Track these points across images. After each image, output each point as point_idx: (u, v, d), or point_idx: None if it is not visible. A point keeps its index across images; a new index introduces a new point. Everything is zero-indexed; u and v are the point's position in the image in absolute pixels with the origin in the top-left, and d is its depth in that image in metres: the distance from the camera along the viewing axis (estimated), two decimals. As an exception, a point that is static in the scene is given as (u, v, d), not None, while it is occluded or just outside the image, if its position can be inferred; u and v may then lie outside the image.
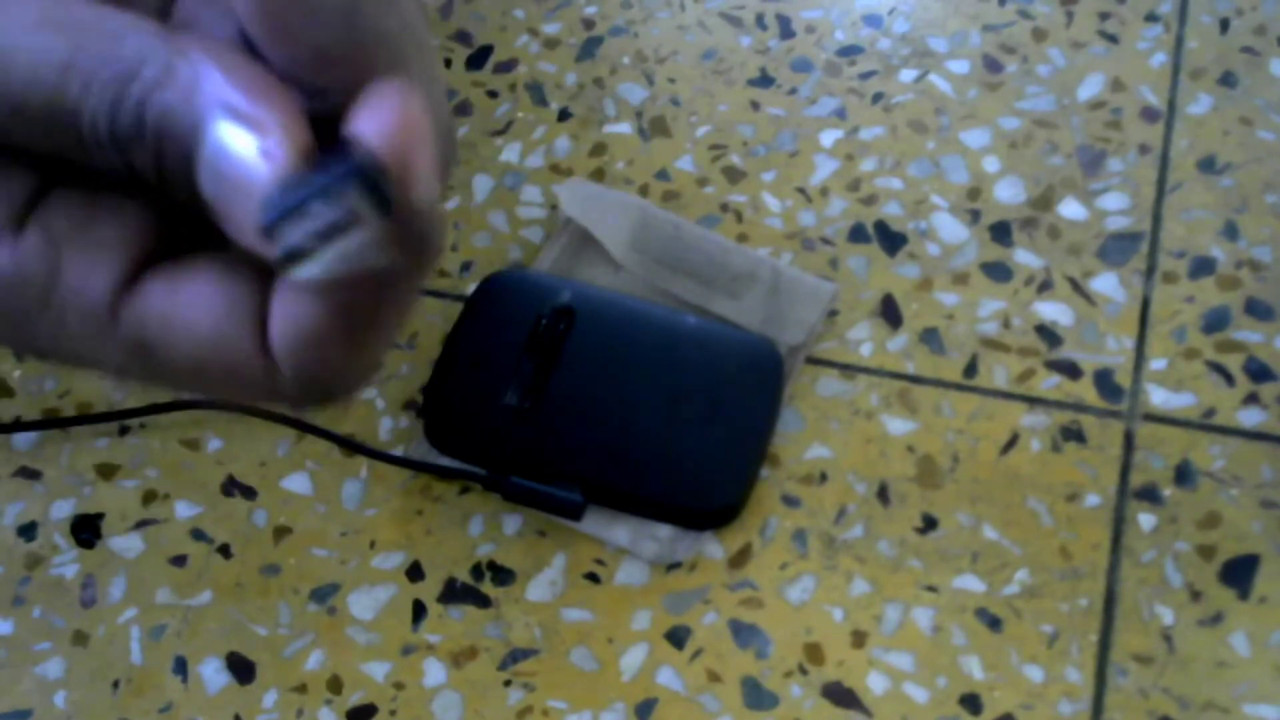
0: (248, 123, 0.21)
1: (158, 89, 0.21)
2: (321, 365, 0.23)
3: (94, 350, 0.23)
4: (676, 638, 0.56)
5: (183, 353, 0.23)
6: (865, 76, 0.70)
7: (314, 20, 0.22)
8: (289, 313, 0.22)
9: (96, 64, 0.21)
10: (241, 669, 0.57)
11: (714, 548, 0.58)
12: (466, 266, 0.66)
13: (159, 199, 0.24)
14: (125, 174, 0.22)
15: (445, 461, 0.60)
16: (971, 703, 0.54)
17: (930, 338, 0.62)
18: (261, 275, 0.23)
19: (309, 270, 0.21)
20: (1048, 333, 0.61)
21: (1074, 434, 0.59)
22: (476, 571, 0.58)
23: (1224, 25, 0.69)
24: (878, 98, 0.69)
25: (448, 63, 0.73)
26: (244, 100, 0.21)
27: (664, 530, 0.58)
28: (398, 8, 0.24)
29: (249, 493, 0.61)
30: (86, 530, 0.61)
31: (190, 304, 0.23)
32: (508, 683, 0.56)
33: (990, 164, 0.66)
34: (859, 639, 0.55)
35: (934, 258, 0.64)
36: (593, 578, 0.58)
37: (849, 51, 0.71)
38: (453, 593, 0.58)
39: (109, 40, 0.21)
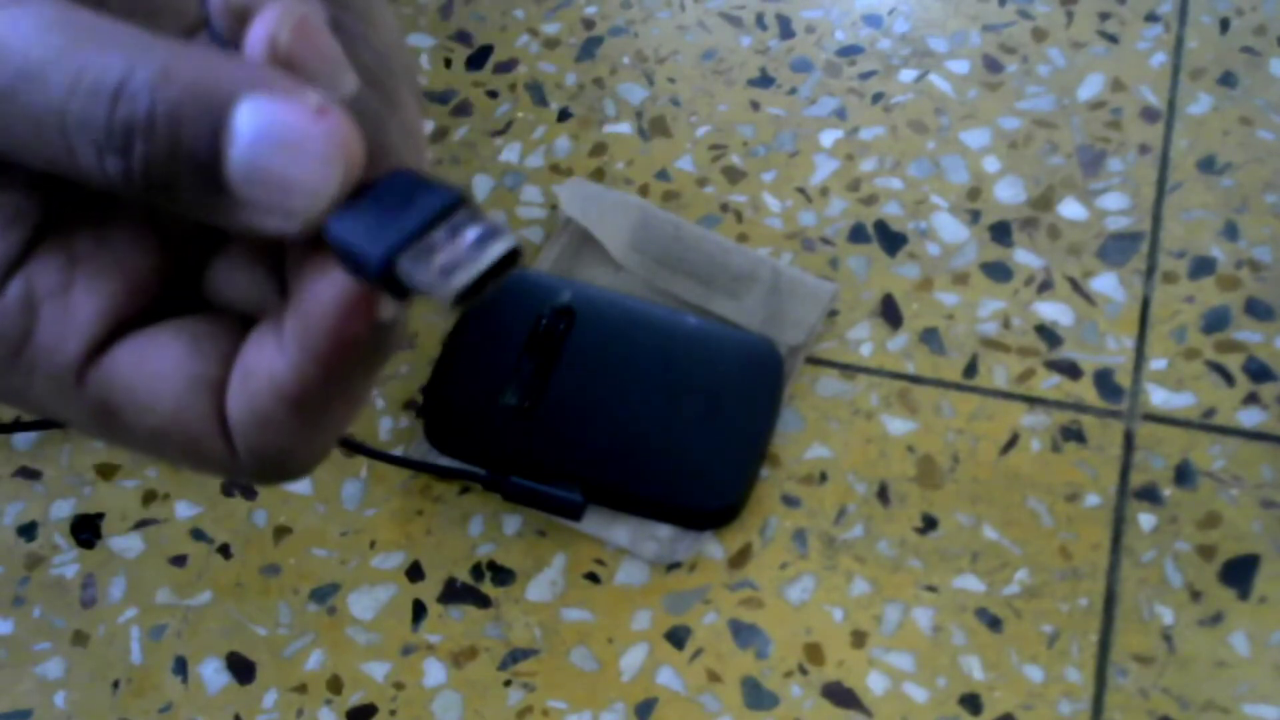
0: (284, 91, 0.20)
1: (168, 75, 0.20)
2: (277, 449, 0.23)
3: (58, 407, 0.24)
4: (676, 638, 0.56)
5: (143, 424, 0.23)
6: (865, 76, 0.70)
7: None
8: (247, 396, 0.22)
9: (87, 63, 0.20)
10: (241, 669, 0.57)
11: (714, 548, 0.58)
12: (466, 266, 0.66)
13: (146, 224, 0.24)
14: (119, 188, 0.21)
15: (445, 461, 0.60)
16: (971, 703, 0.54)
17: (930, 338, 0.62)
18: (227, 346, 0.23)
19: (456, 283, 0.21)
20: (1048, 333, 0.61)
21: (1074, 434, 0.59)
22: (476, 571, 0.58)
23: (1224, 25, 0.69)
24: (878, 98, 0.69)
25: (447, 63, 0.73)
26: (276, 76, 0.20)
27: (664, 530, 0.58)
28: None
29: (249, 492, 0.61)
30: (86, 530, 0.61)
31: (154, 378, 0.23)
32: (508, 683, 0.56)
33: (990, 164, 0.66)
34: (859, 639, 0.55)
35: (934, 258, 0.64)
36: (593, 578, 0.58)
37: (849, 51, 0.71)
38: (453, 593, 0.58)
39: (103, 41, 0.20)
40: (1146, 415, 0.59)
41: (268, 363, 0.22)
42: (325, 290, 0.22)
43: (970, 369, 0.61)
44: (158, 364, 0.23)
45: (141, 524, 0.61)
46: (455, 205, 0.21)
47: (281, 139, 0.20)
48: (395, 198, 0.21)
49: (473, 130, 0.70)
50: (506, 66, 0.72)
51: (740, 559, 0.57)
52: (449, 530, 0.59)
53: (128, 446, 0.24)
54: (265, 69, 0.20)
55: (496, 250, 0.21)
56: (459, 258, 0.21)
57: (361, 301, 0.21)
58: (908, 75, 0.69)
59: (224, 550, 0.60)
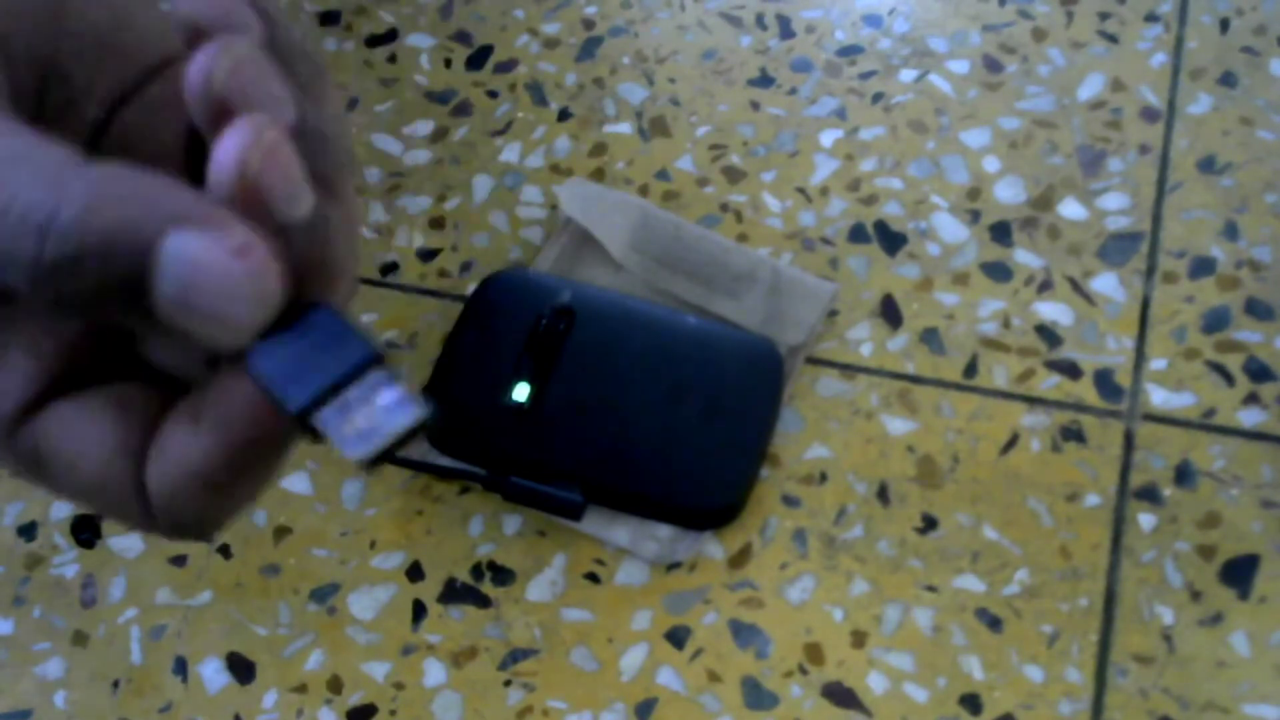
0: (210, 226, 0.21)
1: (92, 214, 0.21)
2: (188, 517, 0.25)
3: None
4: (676, 638, 0.56)
5: (68, 482, 0.25)
6: (865, 76, 0.70)
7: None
8: (162, 473, 0.24)
9: (14, 195, 0.21)
10: (241, 669, 0.57)
11: (714, 548, 0.58)
12: (466, 266, 0.66)
13: (73, 322, 0.25)
14: (49, 311, 0.22)
15: (445, 461, 0.60)
16: (971, 703, 0.54)
17: (930, 338, 0.62)
18: (155, 413, 0.25)
19: (368, 450, 0.22)
20: (1048, 333, 0.61)
21: (1074, 434, 0.59)
22: (476, 571, 0.58)
23: (1224, 25, 0.69)
24: (878, 98, 0.69)
25: (447, 63, 0.73)
26: (199, 207, 0.21)
27: (664, 530, 0.58)
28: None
29: (249, 493, 0.61)
30: (86, 530, 0.61)
31: (80, 441, 0.24)
32: (508, 683, 0.56)
33: (990, 164, 0.66)
34: (859, 639, 0.55)
35: (934, 258, 0.64)
36: (593, 578, 0.58)
37: (849, 51, 0.71)
38: (453, 593, 0.58)
39: (30, 170, 0.21)
40: (1146, 415, 0.59)
41: (183, 446, 0.24)
42: (242, 395, 0.23)
43: (970, 369, 0.61)
44: (84, 431, 0.24)
45: (141, 524, 0.61)
46: (371, 362, 0.22)
47: (205, 278, 0.21)
48: (315, 339, 0.22)
49: (473, 130, 0.70)
50: (506, 66, 0.72)
51: (740, 559, 0.57)
52: (449, 530, 0.59)
53: (55, 495, 0.26)
54: (189, 197, 0.21)
55: (407, 419, 0.22)
56: (371, 423, 0.22)
57: (274, 410, 0.23)
58: (908, 75, 0.69)
59: (224, 550, 0.60)
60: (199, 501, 0.24)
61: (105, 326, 0.26)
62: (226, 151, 0.22)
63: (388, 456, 0.22)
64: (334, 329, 0.22)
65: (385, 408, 0.22)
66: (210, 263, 0.21)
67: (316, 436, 0.22)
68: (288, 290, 0.22)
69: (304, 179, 0.23)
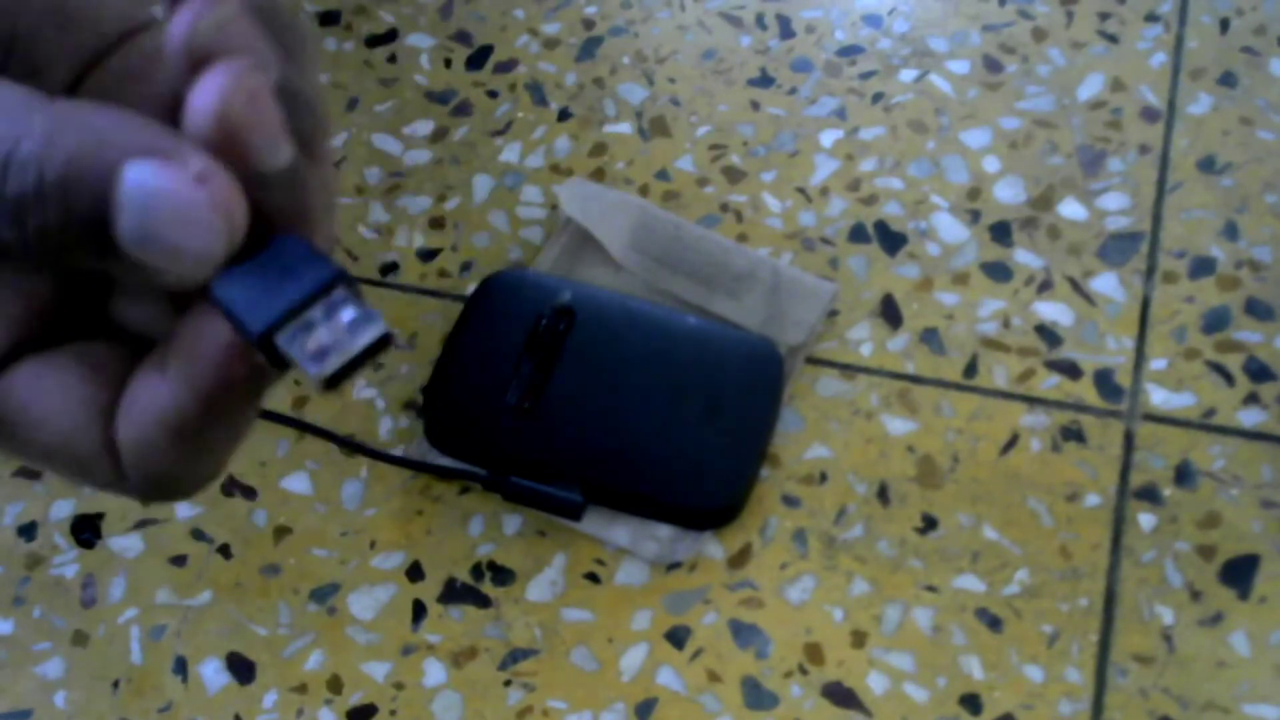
0: (170, 156, 0.21)
1: (53, 146, 0.21)
2: (161, 473, 0.24)
3: None
4: (676, 638, 0.56)
5: (36, 442, 0.24)
6: (865, 76, 0.70)
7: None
8: (133, 424, 0.24)
9: None
10: (241, 669, 0.57)
11: (714, 548, 0.58)
12: (466, 266, 0.66)
13: (42, 272, 0.25)
14: (14, 253, 0.22)
15: (445, 461, 0.60)
16: (971, 703, 0.54)
17: (930, 338, 0.62)
18: (123, 372, 0.24)
19: (328, 366, 0.22)
20: (1048, 333, 0.61)
21: (1074, 434, 0.59)
22: (476, 571, 0.58)
23: (1224, 25, 0.69)
24: (878, 98, 0.69)
25: (447, 63, 0.73)
26: (159, 138, 0.21)
27: (664, 530, 0.58)
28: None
29: (249, 493, 0.61)
30: (86, 530, 0.61)
31: (48, 398, 0.24)
32: (508, 683, 0.56)
33: (990, 164, 0.66)
34: (859, 639, 0.55)
35: (934, 258, 0.64)
36: (593, 578, 0.58)
37: (849, 51, 0.71)
38: (453, 593, 0.58)
39: None
40: (1146, 415, 0.59)
41: (152, 393, 0.23)
42: (209, 334, 0.23)
43: (970, 369, 0.61)
44: (53, 388, 0.24)
45: (141, 524, 0.61)
46: (334, 281, 0.22)
47: (165, 207, 0.21)
48: (280, 265, 0.22)
49: (473, 130, 0.70)
50: (506, 66, 0.72)
51: (740, 559, 0.57)
52: (449, 530, 0.59)
53: (21, 459, 0.25)
54: (148, 129, 0.21)
55: (368, 336, 0.22)
56: (333, 341, 0.22)
57: (242, 347, 0.23)
58: (908, 75, 0.69)
59: (224, 550, 0.60)
60: (171, 453, 0.24)
61: (75, 282, 0.25)
62: (207, 92, 0.21)
63: (348, 374, 0.22)
64: (299, 253, 0.22)
65: (347, 325, 0.22)
66: (169, 191, 0.21)
67: (284, 365, 0.22)
68: (250, 221, 0.22)
69: (283, 129, 0.22)
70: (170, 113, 0.25)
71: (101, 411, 0.24)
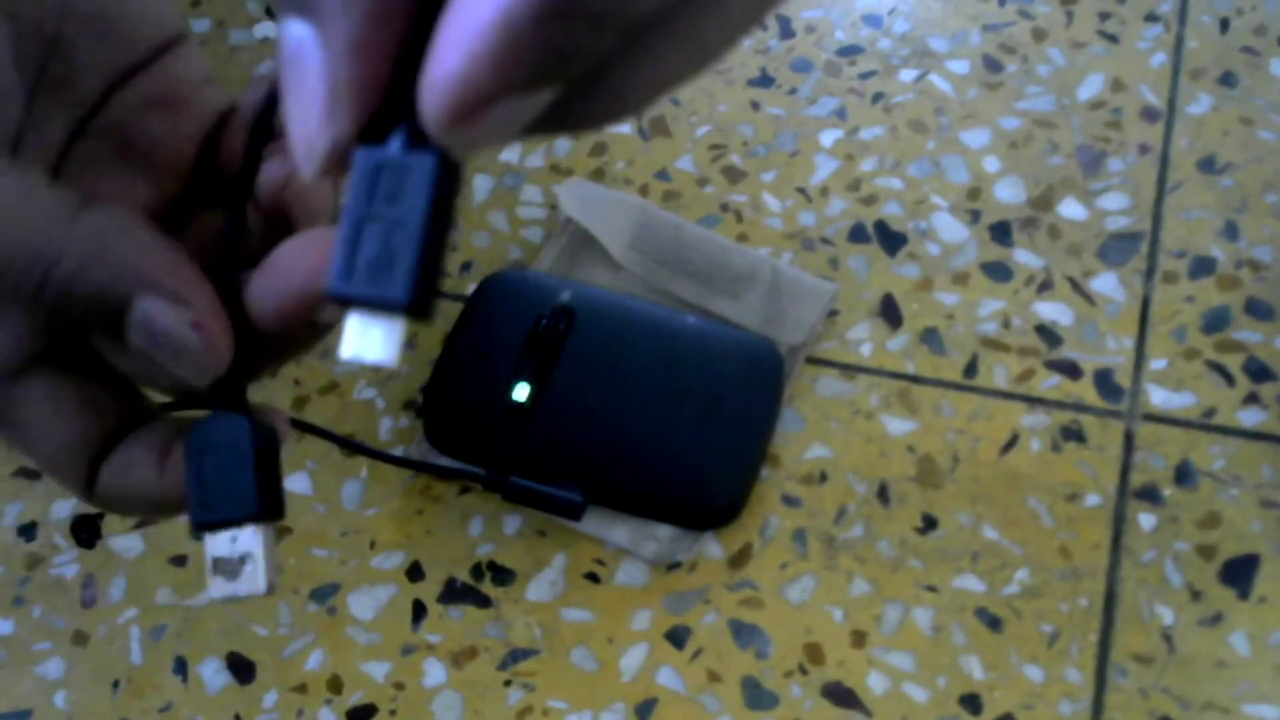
0: (175, 300, 0.26)
1: (84, 271, 0.26)
2: (129, 515, 0.30)
3: None
4: (676, 638, 0.56)
5: (30, 450, 0.29)
6: (865, 76, 0.70)
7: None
8: (122, 487, 0.29)
9: (21, 246, 0.26)
10: (241, 669, 0.57)
11: (714, 548, 0.58)
12: (466, 266, 0.66)
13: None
14: (52, 324, 0.28)
15: (445, 461, 0.60)
16: (971, 703, 0.54)
17: (930, 338, 0.62)
18: (112, 411, 0.29)
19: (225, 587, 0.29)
20: (1048, 333, 0.61)
21: (1074, 434, 0.59)
22: (476, 571, 0.58)
23: (1224, 25, 0.69)
24: (878, 98, 0.69)
25: (448, 63, 0.73)
26: (170, 279, 0.26)
27: (664, 530, 0.58)
28: None
29: (249, 493, 0.61)
30: (86, 530, 0.61)
31: (47, 423, 0.28)
32: (508, 683, 0.56)
33: (990, 164, 0.66)
34: (859, 639, 0.55)
35: (934, 258, 0.64)
36: (593, 578, 0.58)
37: (849, 51, 0.71)
38: (453, 593, 0.58)
39: (39, 229, 0.26)
40: (1146, 415, 0.59)
41: (143, 479, 0.29)
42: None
43: (970, 369, 0.61)
44: (53, 416, 0.29)
45: (141, 524, 0.61)
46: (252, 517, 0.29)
47: (165, 342, 0.26)
48: (224, 469, 0.29)
49: (473, 130, 0.70)
50: (506, 66, 0.72)
51: (740, 559, 0.57)
52: (449, 530, 0.59)
53: (15, 449, 0.30)
54: (164, 267, 0.26)
55: (251, 585, 0.29)
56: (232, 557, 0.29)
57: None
58: (908, 75, 0.69)
59: (224, 550, 0.60)
60: (142, 515, 0.29)
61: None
62: (290, 274, 0.26)
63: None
64: (239, 460, 0.28)
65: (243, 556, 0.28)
66: (170, 331, 0.26)
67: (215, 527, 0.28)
68: (233, 354, 0.27)
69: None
70: (195, 146, 0.30)
71: (86, 449, 0.29)
